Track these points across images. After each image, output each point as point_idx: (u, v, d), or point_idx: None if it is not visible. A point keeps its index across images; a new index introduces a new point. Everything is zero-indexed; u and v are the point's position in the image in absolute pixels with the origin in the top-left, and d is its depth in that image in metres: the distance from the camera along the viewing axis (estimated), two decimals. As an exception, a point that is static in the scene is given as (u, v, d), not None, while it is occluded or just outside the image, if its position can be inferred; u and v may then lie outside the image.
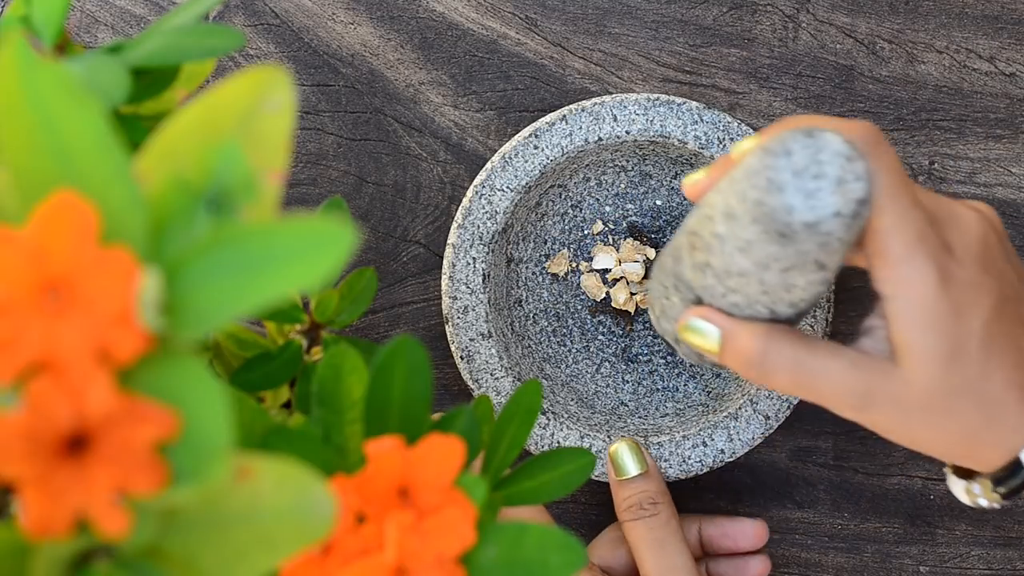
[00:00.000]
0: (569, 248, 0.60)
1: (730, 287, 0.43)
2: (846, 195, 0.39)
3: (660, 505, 0.53)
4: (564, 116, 0.56)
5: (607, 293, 0.60)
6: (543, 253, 0.60)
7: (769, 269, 0.42)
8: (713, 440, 0.56)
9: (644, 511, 0.53)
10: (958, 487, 0.46)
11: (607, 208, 0.60)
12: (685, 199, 0.60)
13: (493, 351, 0.57)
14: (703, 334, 0.45)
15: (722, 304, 0.44)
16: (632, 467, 0.54)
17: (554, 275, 0.60)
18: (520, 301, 0.60)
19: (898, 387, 0.42)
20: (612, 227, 0.60)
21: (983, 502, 0.45)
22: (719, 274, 0.43)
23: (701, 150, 0.56)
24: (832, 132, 0.40)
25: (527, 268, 0.60)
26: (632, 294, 0.60)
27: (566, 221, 0.60)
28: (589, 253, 0.60)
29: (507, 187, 0.56)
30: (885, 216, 0.41)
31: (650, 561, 0.52)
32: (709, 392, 0.59)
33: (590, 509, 0.58)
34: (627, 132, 0.56)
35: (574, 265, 0.60)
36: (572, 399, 0.59)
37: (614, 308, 0.60)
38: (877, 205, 0.41)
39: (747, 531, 0.56)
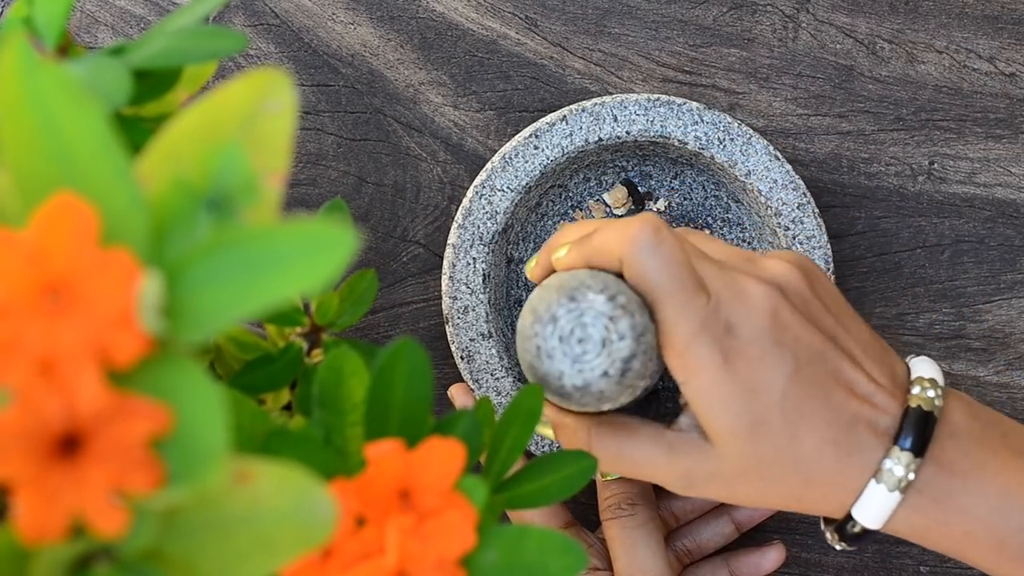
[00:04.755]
0: None
1: (549, 396, 0.45)
2: (612, 355, 0.42)
3: (638, 507, 0.53)
4: (564, 116, 0.56)
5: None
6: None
7: (570, 403, 0.44)
8: (713, 441, 0.56)
9: (622, 511, 0.53)
10: (822, 527, 0.48)
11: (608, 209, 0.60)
12: (686, 200, 0.60)
13: (493, 351, 0.56)
14: (540, 422, 0.48)
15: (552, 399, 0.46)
16: None
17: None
18: (520, 301, 0.60)
19: (714, 464, 0.44)
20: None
21: (837, 547, 0.46)
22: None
23: (701, 151, 0.56)
24: (595, 291, 0.42)
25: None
26: None
27: (566, 221, 0.60)
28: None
29: (507, 187, 0.56)
30: (667, 310, 0.42)
31: (621, 560, 0.53)
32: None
33: (590, 509, 0.58)
34: (627, 132, 0.56)
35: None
36: (572, 399, 0.59)
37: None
38: (659, 301, 0.42)
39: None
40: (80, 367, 0.24)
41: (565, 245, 0.46)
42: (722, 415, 0.42)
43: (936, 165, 0.60)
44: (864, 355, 0.44)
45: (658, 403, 0.56)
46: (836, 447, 0.42)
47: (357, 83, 0.61)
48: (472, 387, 0.57)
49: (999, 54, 0.60)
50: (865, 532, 0.44)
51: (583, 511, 0.59)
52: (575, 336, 0.42)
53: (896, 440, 0.42)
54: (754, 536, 0.58)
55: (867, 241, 0.60)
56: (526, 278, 0.60)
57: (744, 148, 0.56)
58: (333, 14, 0.61)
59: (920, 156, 0.60)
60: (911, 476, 0.42)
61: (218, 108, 0.28)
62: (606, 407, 0.44)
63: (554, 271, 0.47)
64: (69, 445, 0.25)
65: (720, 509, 0.57)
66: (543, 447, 0.56)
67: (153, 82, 0.35)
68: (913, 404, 0.43)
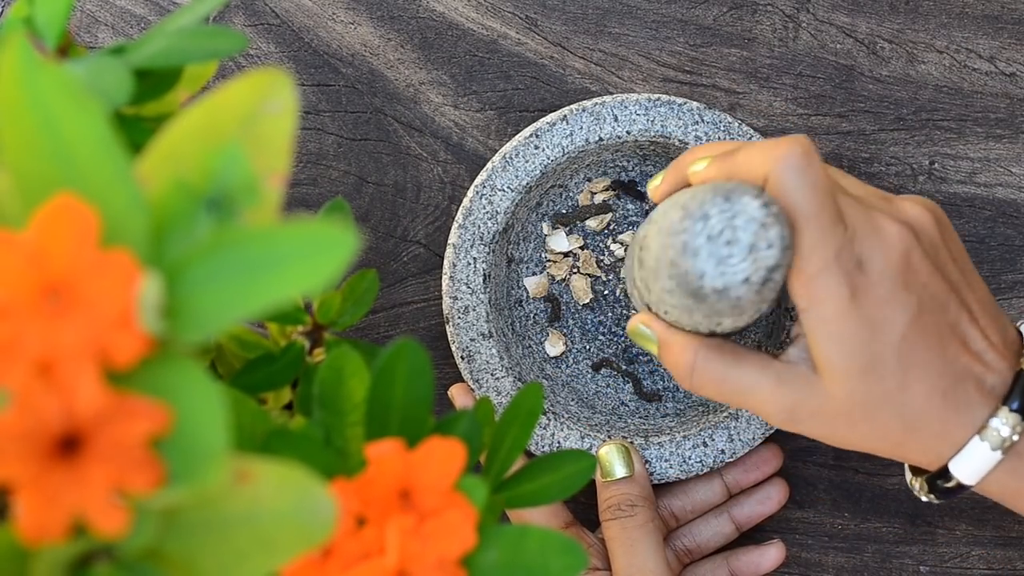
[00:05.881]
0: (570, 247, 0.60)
1: (665, 311, 0.45)
2: (757, 262, 0.41)
3: (638, 508, 0.53)
4: (565, 116, 0.56)
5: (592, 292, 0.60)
6: (543, 253, 0.60)
7: (693, 312, 0.44)
8: (714, 440, 0.56)
9: (622, 512, 0.53)
10: (909, 477, 0.48)
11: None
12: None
13: (494, 351, 0.56)
14: (646, 338, 0.47)
15: (664, 317, 0.46)
16: (619, 469, 0.54)
17: (552, 276, 0.60)
18: (521, 301, 0.60)
19: (820, 399, 0.44)
20: (613, 226, 0.60)
21: (923, 498, 0.47)
22: (656, 300, 0.45)
23: (702, 150, 0.56)
24: (752, 196, 0.41)
25: (528, 268, 0.60)
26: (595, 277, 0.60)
27: (561, 229, 0.60)
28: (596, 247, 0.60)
29: (508, 187, 0.56)
30: (804, 235, 0.42)
31: (620, 560, 0.53)
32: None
33: (590, 509, 0.58)
34: (628, 132, 0.56)
35: (573, 271, 0.60)
36: (572, 399, 0.59)
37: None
38: (798, 224, 0.42)
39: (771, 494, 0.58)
40: (79, 368, 0.24)
41: (705, 159, 0.46)
42: (839, 349, 0.42)
43: (936, 165, 0.60)
44: (982, 312, 0.44)
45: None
46: (944, 399, 0.42)
47: (357, 83, 0.61)
48: (472, 387, 0.57)
49: (999, 54, 0.60)
50: (958, 487, 0.44)
51: (583, 511, 0.59)
52: (724, 237, 0.41)
53: (1005, 401, 0.43)
54: (753, 536, 0.58)
55: (867, 241, 0.60)
56: (526, 278, 0.60)
57: (744, 148, 0.56)
58: (333, 14, 0.61)
59: (920, 156, 0.60)
60: (1015, 438, 0.42)
61: (218, 108, 0.28)
62: (728, 323, 0.44)
63: (681, 190, 0.46)
64: (69, 445, 0.25)
65: (720, 508, 0.57)
66: (543, 447, 0.56)
67: (153, 82, 0.35)
68: None
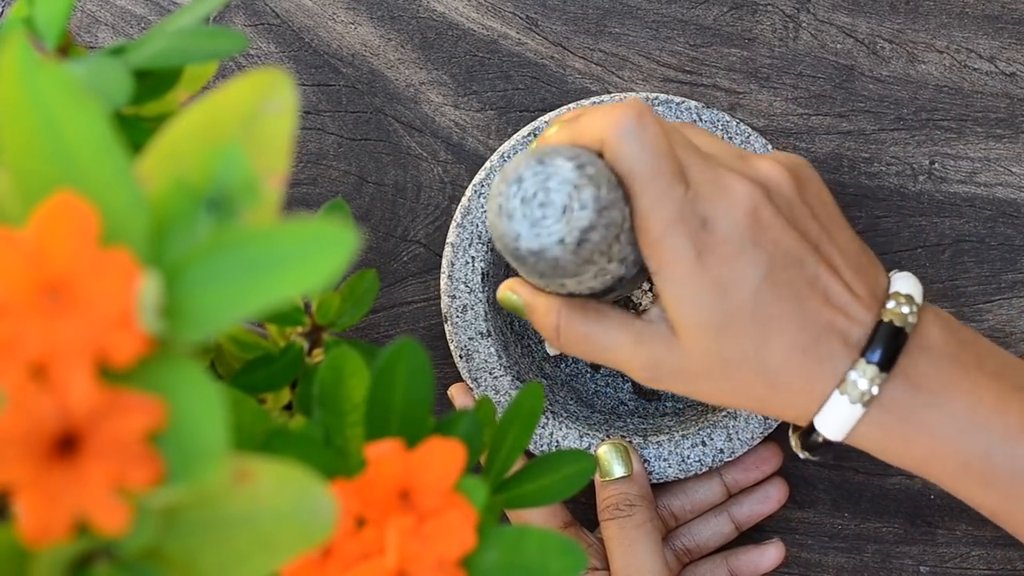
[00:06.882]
0: None
1: (509, 259, 0.45)
2: (570, 223, 0.41)
3: (636, 507, 0.53)
4: (564, 116, 0.56)
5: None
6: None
7: (530, 275, 0.44)
8: (712, 440, 0.56)
9: (620, 512, 0.53)
10: (790, 433, 0.48)
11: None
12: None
13: (492, 350, 0.56)
14: (514, 303, 0.48)
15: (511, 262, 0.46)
16: (617, 469, 0.54)
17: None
18: (520, 301, 0.60)
19: (678, 358, 0.43)
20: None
21: (801, 455, 0.46)
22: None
23: (701, 150, 0.56)
24: (565, 158, 0.41)
25: (527, 268, 0.60)
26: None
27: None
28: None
29: (507, 187, 0.56)
30: (642, 198, 0.41)
31: (618, 560, 0.53)
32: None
33: (590, 509, 0.58)
34: (627, 132, 0.56)
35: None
36: (572, 398, 0.59)
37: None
38: (636, 187, 0.41)
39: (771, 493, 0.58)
40: (71, 366, 0.24)
41: (556, 124, 0.46)
42: (690, 310, 0.42)
43: (937, 165, 0.60)
44: (845, 265, 0.43)
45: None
46: (804, 354, 0.42)
47: (358, 83, 0.61)
48: (471, 386, 0.57)
49: (999, 54, 0.60)
50: (828, 443, 0.44)
51: (582, 511, 0.59)
52: (537, 200, 0.41)
53: (864, 353, 0.42)
54: (753, 536, 0.58)
55: (868, 241, 0.60)
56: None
57: (743, 146, 0.56)
58: (334, 14, 0.61)
59: (921, 156, 0.60)
60: (875, 390, 0.41)
61: (218, 108, 0.28)
62: (569, 284, 0.44)
63: None
64: (67, 445, 0.25)
65: (720, 508, 0.57)
66: (542, 446, 0.56)
67: (153, 82, 0.35)
68: (885, 319, 0.42)
